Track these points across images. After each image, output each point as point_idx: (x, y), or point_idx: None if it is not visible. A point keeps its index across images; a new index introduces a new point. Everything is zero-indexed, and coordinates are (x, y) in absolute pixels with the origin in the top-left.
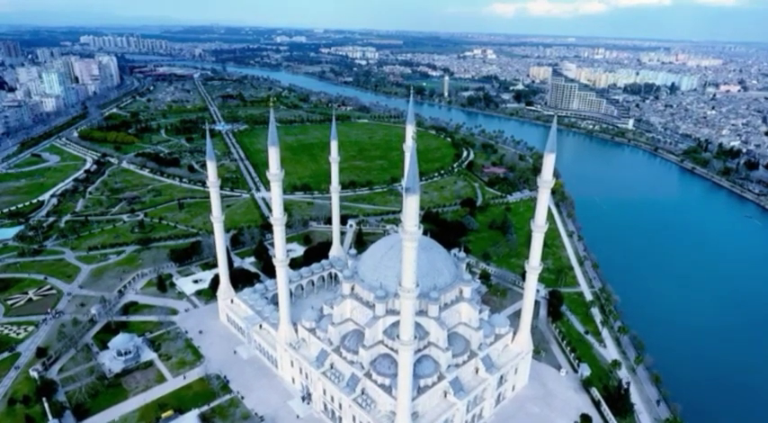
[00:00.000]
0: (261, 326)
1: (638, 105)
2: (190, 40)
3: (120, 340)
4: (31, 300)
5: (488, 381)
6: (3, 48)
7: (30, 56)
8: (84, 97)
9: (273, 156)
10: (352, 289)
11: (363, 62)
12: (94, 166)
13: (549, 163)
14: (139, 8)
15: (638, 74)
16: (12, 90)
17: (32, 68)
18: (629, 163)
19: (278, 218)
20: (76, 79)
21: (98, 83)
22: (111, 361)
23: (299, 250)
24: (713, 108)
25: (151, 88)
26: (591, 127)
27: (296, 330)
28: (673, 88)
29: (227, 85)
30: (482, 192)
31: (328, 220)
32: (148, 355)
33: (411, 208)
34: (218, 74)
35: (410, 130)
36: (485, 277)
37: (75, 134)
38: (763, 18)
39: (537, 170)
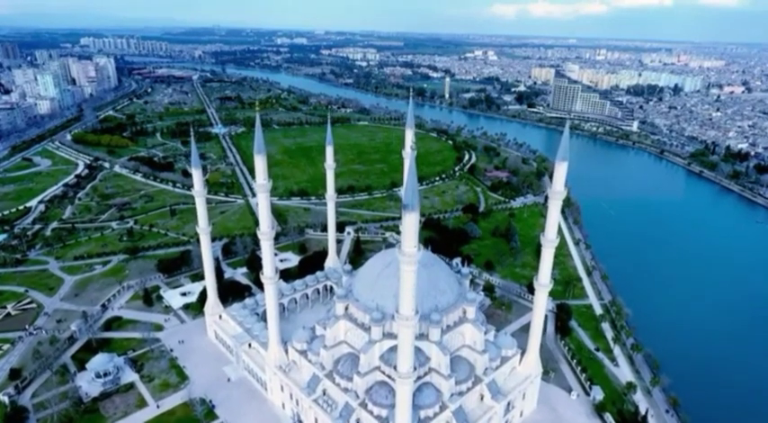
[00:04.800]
0: (250, 345)
1: (641, 107)
2: (191, 42)
3: (98, 361)
4: (9, 314)
5: (495, 408)
6: (1, 49)
7: (29, 58)
8: (80, 99)
9: (260, 164)
10: (347, 309)
11: (364, 64)
12: (86, 171)
13: (560, 172)
14: (141, 9)
15: (640, 75)
16: (7, 92)
17: (29, 70)
18: (635, 166)
19: (266, 232)
20: (74, 81)
21: (95, 85)
22: (88, 384)
23: (293, 260)
24: (718, 110)
25: (149, 90)
26: (595, 129)
27: (286, 351)
28: (676, 90)
29: (226, 87)
30: (485, 197)
31: (325, 228)
32: (129, 376)
33: (410, 227)
34: (217, 76)
35: (410, 136)
36: (488, 289)
37: (69, 137)
38: (764, 19)
39: (541, 174)
